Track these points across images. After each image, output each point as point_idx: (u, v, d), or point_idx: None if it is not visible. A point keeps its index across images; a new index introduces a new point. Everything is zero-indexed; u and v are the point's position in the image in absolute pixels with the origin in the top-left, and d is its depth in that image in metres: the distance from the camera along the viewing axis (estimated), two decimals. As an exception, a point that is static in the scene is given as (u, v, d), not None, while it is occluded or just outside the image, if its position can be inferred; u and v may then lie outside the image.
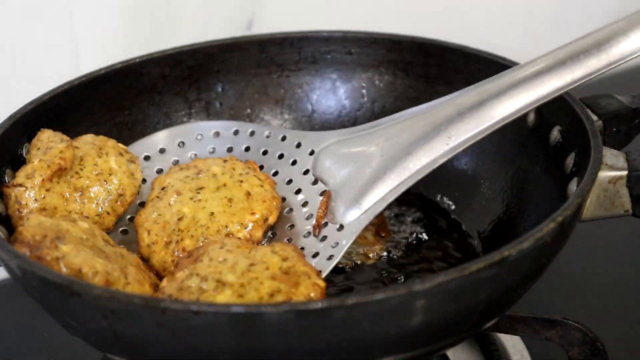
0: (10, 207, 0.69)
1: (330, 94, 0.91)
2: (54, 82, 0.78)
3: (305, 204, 0.75)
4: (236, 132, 0.83)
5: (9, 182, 0.70)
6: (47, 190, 0.70)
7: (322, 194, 0.75)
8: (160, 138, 0.82)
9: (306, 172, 0.77)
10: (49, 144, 0.72)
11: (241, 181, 0.75)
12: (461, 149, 0.70)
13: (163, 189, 0.75)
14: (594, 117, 0.73)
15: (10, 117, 0.73)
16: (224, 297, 0.59)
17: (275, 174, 0.79)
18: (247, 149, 0.82)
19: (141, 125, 0.85)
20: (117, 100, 0.83)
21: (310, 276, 0.61)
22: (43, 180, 0.69)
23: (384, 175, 0.72)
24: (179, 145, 0.82)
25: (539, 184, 0.75)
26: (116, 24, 0.99)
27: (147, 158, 0.81)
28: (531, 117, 0.77)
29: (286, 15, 1.09)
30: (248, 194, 0.74)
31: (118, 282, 0.61)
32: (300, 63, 0.90)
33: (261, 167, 0.80)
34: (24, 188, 0.69)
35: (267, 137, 0.82)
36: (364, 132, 0.76)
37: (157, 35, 1.01)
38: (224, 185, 0.75)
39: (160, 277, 0.70)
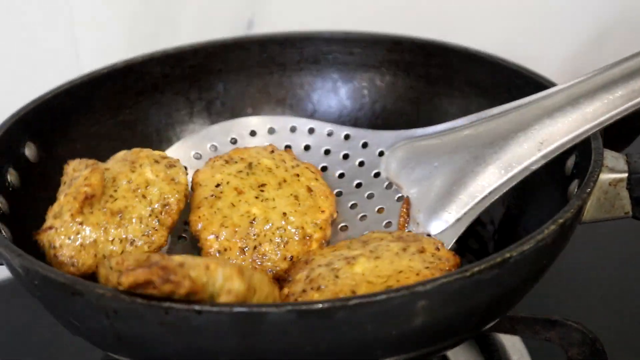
0: (47, 253, 0.62)
1: (332, 94, 0.91)
2: (54, 82, 0.78)
3: (380, 211, 0.70)
4: (293, 129, 0.79)
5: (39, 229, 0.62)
6: (80, 224, 0.62)
7: (398, 199, 0.70)
8: (214, 131, 0.79)
9: (377, 174, 0.73)
10: (74, 175, 0.65)
11: (297, 174, 0.70)
12: (555, 155, 0.66)
13: (217, 185, 0.69)
14: (595, 119, 0.73)
15: (12, 116, 0.72)
16: (362, 264, 0.57)
17: (341, 176, 0.75)
18: (307, 147, 0.78)
19: (142, 125, 0.85)
20: (118, 100, 0.83)
21: (431, 241, 0.60)
22: (72, 214, 0.61)
23: (469, 182, 0.67)
24: (231, 141, 0.78)
25: (539, 185, 0.75)
26: (116, 24, 0.99)
27: (198, 157, 0.77)
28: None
29: (287, 15, 1.09)
30: (309, 189, 0.69)
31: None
32: (302, 63, 0.90)
33: (324, 169, 0.76)
34: (54, 230, 0.61)
35: (329, 135, 0.78)
36: (439, 134, 0.71)
37: (157, 35, 1.01)
38: (284, 180, 0.69)
39: None
